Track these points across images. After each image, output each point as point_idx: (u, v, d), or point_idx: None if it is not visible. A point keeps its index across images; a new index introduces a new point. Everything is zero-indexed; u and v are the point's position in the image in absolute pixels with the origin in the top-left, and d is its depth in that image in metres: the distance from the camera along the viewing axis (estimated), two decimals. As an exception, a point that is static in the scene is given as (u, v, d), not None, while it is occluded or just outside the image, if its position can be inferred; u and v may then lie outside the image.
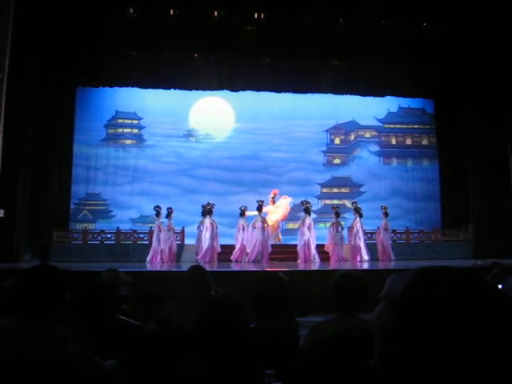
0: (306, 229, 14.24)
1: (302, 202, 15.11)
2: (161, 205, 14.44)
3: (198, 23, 14.82)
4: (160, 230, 13.99)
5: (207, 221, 14.04)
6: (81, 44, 14.57)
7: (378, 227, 14.99)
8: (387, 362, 0.81)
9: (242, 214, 14.45)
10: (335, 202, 17.43)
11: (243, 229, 14.29)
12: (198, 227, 14.14)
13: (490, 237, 15.20)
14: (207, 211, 14.20)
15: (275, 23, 15.16)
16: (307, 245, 14.10)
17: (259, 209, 14.34)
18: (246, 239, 14.14)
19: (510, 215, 15.47)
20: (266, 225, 14.21)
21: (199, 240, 13.99)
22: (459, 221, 16.41)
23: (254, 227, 14.15)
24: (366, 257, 14.31)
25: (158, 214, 14.22)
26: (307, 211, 14.61)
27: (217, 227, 14.16)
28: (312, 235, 14.28)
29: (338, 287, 2.93)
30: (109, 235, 15.34)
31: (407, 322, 0.78)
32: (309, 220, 14.51)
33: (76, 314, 2.96)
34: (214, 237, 13.89)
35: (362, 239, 14.54)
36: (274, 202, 15.58)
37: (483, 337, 0.74)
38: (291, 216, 16.29)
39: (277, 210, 15.50)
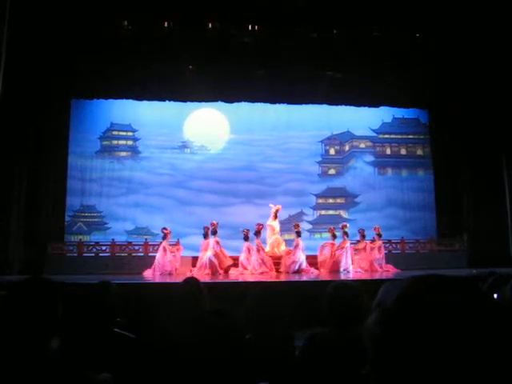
0: (300, 251, 14.20)
1: (294, 226, 14.89)
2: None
3: (192, 35, 14.87)
4: (165, 252, 13.88)
5: (212, 240, 13.87)
6: (75, 56, 14.59)
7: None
8: (380, 371, 0.81)
9: (246, 238, 14.15)
10: (330, 212, 17.50)
11: (249, 251, 14.07)
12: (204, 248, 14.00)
13: (485, 246, 15.22)
14: (212, 232, 14.03)
15: (270, 35, 15.22)
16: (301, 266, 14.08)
17: (256, 233, 14.19)
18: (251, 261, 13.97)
19: (506, 224, 15.51)
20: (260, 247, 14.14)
21: (200, 259, 13.90)
22: (454, 230, 16.42)
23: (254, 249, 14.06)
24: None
25: (165, 237, 14.13)
26: (299, 234, 14.53)
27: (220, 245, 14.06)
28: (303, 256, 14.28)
29: (332, 298, 2.92)
30: (104, 247, 15.26)
31: (399, 331, 0.78)
32: (302, 243, 14.41)
33: (69, 327, 2.93)
34: (217, 253, 13.78)
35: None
36: (275, 217, 15.39)
37: (476, 346, 0.74)
38: (287, 227, 16.27)
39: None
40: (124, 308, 4.37)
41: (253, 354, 2.69)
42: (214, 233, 14.00)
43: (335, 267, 14.25)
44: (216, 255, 13.75)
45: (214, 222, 14.23)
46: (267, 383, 2.52)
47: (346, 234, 14.68)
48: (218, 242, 13.94)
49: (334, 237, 14.71)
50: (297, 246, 14.25)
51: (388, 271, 14.20)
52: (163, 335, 3.01)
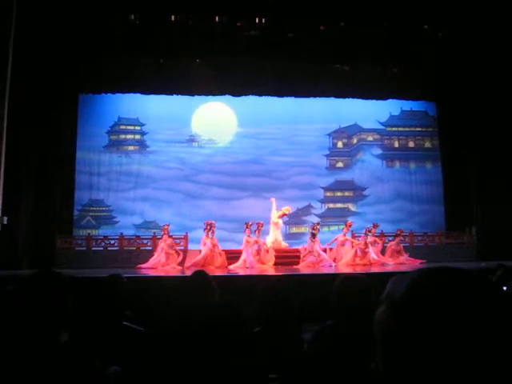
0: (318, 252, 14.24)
1: (313, 227, 14.64)
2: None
3: (199, 28, 14.85)
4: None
5: (208, 240, 13.88)
6: (83, 51, 14.62)
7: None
8: (389, 364, 0.80)
9: (245, 231, 14.11)
10: (339, 205, 17.49)
11: (248, 245, 14.02)
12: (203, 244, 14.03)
13: (493, 239, 15.16)
14: (204, 230, 14.08)
15: (277, 28, 15.17)
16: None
17: (257, 231, 14.14)
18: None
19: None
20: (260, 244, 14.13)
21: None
22: (463, 223, 16.36)
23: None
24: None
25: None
26: (314, 236, 14.43)
27: (218, 247, 14.06)
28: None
29: (340, 291, 2.92)
30: (112, 241, 15.32)
31: (409, 324, 0.77)
32: (316, 243, 14.39)
33: (79, 320, 2.95)
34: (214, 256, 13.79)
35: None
36: (281, 216, 15.24)
37: (485, 338, 0.74)
38: (295, 220, 16.25)
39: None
40: (133, 301, 4.39)
41: (262, 347, 2.69)
42: (205, 230, 13.99)
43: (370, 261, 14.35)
44: (207, 254, 13.77)
45: (210, 221, 14.14)
46: (276, 376, 2.52)
47: (367, 235, 14.72)
48: (205, 243, 13.90)
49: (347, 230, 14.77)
50: (310, 252, 14.18)
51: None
52: (172, 328, 3.03)
